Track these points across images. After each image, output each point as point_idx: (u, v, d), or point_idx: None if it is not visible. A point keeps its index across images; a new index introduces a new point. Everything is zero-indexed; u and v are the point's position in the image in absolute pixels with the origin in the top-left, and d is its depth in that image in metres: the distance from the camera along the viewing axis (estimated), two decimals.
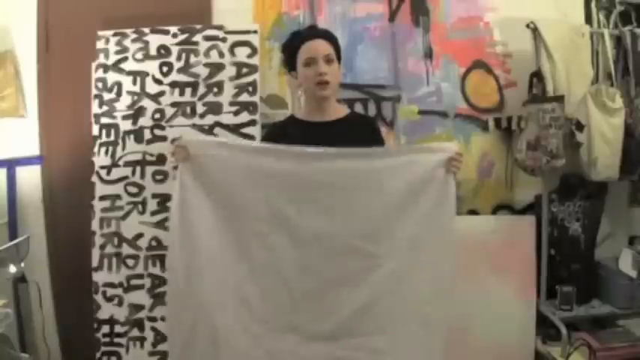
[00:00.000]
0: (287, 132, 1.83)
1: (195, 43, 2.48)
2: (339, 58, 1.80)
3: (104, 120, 2.48)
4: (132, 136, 2.47)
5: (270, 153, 1.62)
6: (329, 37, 1.78)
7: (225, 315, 1.60)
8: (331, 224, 1.60)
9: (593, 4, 2.60)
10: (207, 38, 2.48)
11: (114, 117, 2.48)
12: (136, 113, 2.47)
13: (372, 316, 1.61)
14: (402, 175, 1.62)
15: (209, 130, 2.45)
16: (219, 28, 2.49)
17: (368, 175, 1.61)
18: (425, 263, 1.63)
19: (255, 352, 1.60)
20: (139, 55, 2.48)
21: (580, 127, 2.38)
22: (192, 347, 1.60)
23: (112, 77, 2.48)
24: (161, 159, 2.46)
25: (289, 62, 1.80)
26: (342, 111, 1.85)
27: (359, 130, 1.81)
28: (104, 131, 2.48)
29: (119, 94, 2.48)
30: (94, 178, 2.46)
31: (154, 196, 2.45)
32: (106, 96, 2.48)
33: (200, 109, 2.46)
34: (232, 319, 1.60)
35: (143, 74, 2.48)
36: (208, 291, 1.60)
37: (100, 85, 2.49)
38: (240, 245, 1.62)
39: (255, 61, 2.47)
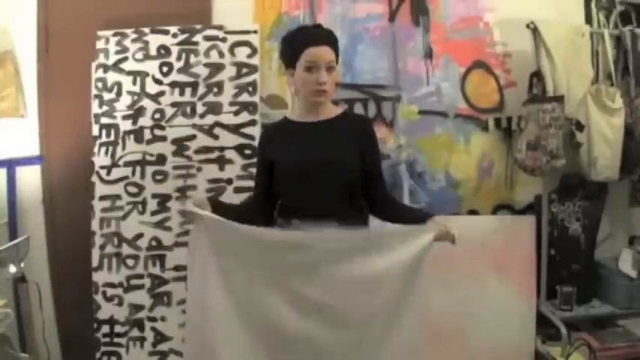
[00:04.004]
0: (279, 134, 1.83)
1: (195, 43, 2.48)
2: (337, 63, 1.80)
3: (104, 120, 2.48)
4: (132, 136, 2.47)
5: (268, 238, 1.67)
6: (333, 42, 1.75)
7: None
8: (330, 299, 1.63)
9: (593, 4, 2.60)
10: (207, 38, 2.48)
11: (114, 117, 2.48)
12: (136, 113, 2.48)
13: None
14: (389, 256, 1.62)
15: (209, 130, 2.46)
16: (219, 28, 2.49)
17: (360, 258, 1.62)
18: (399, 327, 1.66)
19: None
20: (139, 55, 2.48)
21: (580, 127, 2.38)
22: None
23: (112, 77, 2.49)
24: (161, 159, 2.46)
25: (288, 59, 1.77)
26: (336, 110, 1.84)
27: (351, 129, 1.79)
28: (104, 131, 2.48)
29: (119, 94, 2.48)
30: (94, 178, 2.47)
31: (154, 196, 2.45)
32: (106, 96, 2.48)
33: (200, 109, 2.46)
34: None
35: (143, 74, 2.48)
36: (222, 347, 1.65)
37: (100, 85, 2.49)
38: (248, 310, 1.65)
39: (255, 61, 2.47)
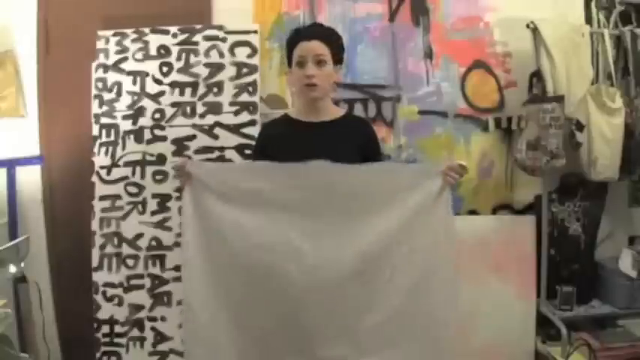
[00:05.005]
0: (279, 131, 1.83)
1: (195, 43, 2.48)
2: (339, 59, 1.79)
3: (104, 120, 2.48)
4: (132, 136, 2.47)
5: (267, 173, 1.65)
6: (327, 37, 1.75)
7: (245, 341, 1.66)
8: (336, 249, 1.62)
9: (593, 4, 2.59)
10: (207, 38, 2.48)
11: (114, 117, 2.48)
12: (136, 113, 2.48)
13: (383, 334, 1.64)
14: (399, 192, 1.65)
15: (209, 130, 2.46)
16: (219, 28, 2.49)
17: (366, 194, 1.64)
18: (426, 273, 1.69)
19: None
20: (139, 55, 2.48)
21: (580, 127, 2.37)
22: None
23: (112, 77, 2.49)
24: (161, 159, 2.46)
25: (287, 59, 1.80)
26: (338, 112, 1.84)
27: (353, 132, 1.80)
28: (104, 131, 2.48)
29: (119, 94, 2.48)
30: (94, 178, 2.47)
31: (154, 196, 2.45)
32: (106, 96, 2.48)
33: (200, 109, 2.46)
34: (251, 344, 1.66)
35: (143, 74, 2.48)
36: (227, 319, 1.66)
37: (100, 85, 2.49)
38: (250, 273, 1.64)
39: (255, 61, 2.47)
